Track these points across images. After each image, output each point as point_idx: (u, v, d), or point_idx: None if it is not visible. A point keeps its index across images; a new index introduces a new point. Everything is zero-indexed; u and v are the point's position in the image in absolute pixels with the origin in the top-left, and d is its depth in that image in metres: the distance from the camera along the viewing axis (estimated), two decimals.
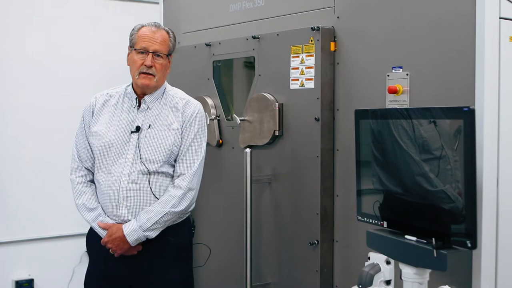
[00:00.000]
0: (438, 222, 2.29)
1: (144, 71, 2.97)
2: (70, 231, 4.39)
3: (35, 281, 4.46)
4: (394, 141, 2.45)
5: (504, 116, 2.59)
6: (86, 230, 3.13)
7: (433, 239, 2.25)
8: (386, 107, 2.88)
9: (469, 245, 2.18)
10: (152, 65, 2.97)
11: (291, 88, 3.31)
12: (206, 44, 3.83)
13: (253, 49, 3.51)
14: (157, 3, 4.41)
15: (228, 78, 3.92)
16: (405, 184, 2.40)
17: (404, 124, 2.39)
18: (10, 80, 4.34)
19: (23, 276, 4.42)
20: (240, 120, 3.53)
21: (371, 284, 2.47)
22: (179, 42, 4.09)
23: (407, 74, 2.82)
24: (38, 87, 4.42)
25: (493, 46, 2.56)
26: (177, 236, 3.05)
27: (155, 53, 2.98)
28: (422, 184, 2.30)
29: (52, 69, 4.46)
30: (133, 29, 3.06)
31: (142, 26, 3.05)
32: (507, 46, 2.60)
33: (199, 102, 3.12)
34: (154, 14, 4.33)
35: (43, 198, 4.40)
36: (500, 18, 2.58)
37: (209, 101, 3.81)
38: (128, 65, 3.05)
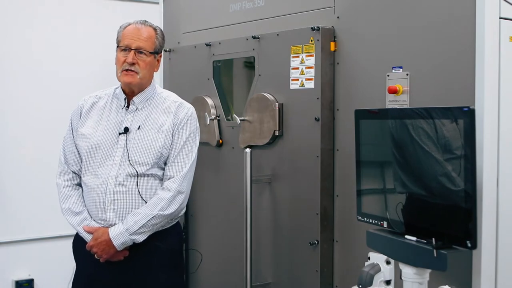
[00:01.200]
0: (439, 222, 2.29)
1: (126, 68, 2.90)
2: (70, 231, 4.35)
3: (35, 281, 4.46)
4: (395, 140, 2.45)
5: (504, 116, 2.59)
6: (75, 234, 3.08)
7: (433, 239, 2.25)
8: (386, 107, 2.88)
9: (469, 245, 2.18)
10: (135, 62, 2.90)
11: (291, 88, 3.31)
12: (206, 44, 3.83)
13: (253, 49, 3.51)
14: (157, 3, 4.40)
15: (228, 78, 3.92)
16: (413, 183, 2.39)
17: (405, 123, 2.39)
18: (10, 80, 4.34)
19: (23, 276, 4.42)
20: (240, 120, 3.53)
21: (371, 284, 2.47)
22: (179, 42, 4.10)
23: (407, 74, 2.82)
24: (38, 87, 4.42)
25: (493, 46, 2.56)
26: (166, 242, 2.98)
27: (138, 50, 2.91)
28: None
29: (52, 69, 4.46)
30: (120, 27, 3.00)
31: (129, 24, 2.98)
32: (507, 46, 2.60)
33: (192, 105, 3.10)
34: (154, 14, 4.33)
35: (43, 198, 4.40)
36: (500, 18, 2.58)
37: (209, 101, 3.81)
38: (115, 64, 2.99)
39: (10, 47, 4.34)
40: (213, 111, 3.79)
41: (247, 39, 3.53)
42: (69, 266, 4.44)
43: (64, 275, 4.49)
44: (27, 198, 4.38)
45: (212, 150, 3.77)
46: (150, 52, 2.95)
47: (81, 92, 4.21)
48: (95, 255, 2.91)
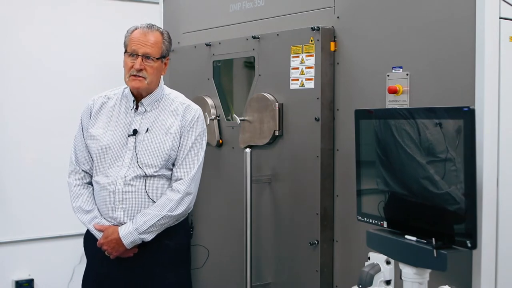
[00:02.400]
0: (439, 222, 2.29)
1: (134, 73, 2.92)
2: (70, 231, 4.39)
3: (35, 281, 4.45)
4: (395, 141, 2.45)
5: (504, 116, 2.59)
6: (85, 231, 3.12)
7: (433, 239, 2.25)
8: (386, 107, 2.88)
9: (469, 245, 2.18)
10: (142, 68, 2.92)
11: (291, 88, 3.31)
12: (206, 44, 3.83)
13: (253, 49, 3.51)
14: (157, 3, 4.40)
15: (228, 78, 3.92)
16: (408, 185, 2.39)
17: (405, 124, 2.39)
18: (10, 80, 4.34)
19: (23, 276, 4.42)
20: (240, 120, 3.53)
21: (371, 284, 2.47)
22: (179, 42, 4.10)
23: (407, 74, 2.82)
24: (38, 87, 4.42)
25: (493, 46, 2.56)
26: (174, 239, 3.03)
27: (145, 56, 2.93)
28: (427, 187, 2.30)
29: (52, 69, 4.46)
30: (127, 31, 3.02)
31: (136, 29, 2.99)
32: (507, 46, 2.60)
33: (199, 107, 3.11)
34: (154, 14, 4.33)
35: (43, 198, 4.40)
36: (500, 18, 2.58)
37: (209, 101, 3.81)
38: (123, 67, 3.01)
39: (10, 47, 4.33)
40: (213, 111, 3.79)
41: (247, 39, 3.53)
42: (69, 266, 4.47)
43: (64, 275, 4.50)
44: (27, 198, 4.38)
45: (212, 150, 3.77)
46: (157, 58, 2.96)
47: (81, 92, 4.23)
48: (106, 252, 2.96)
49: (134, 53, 2.93)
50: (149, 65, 2.94)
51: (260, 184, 3.45)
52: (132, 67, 2.93)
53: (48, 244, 4.50)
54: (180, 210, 2.94)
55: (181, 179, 2.97)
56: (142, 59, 2.93)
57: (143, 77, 2.94)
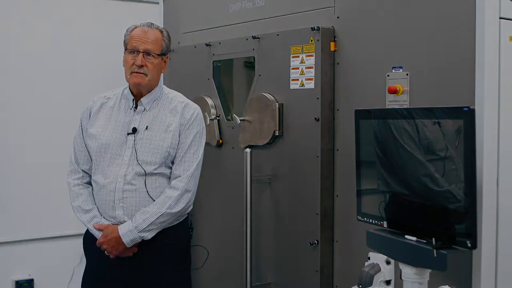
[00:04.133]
0: (439, 222, 2.29)
1: (135, 70, 2.95)
2: (70, 231, 4.39)
3: (35, 281, 4.45)
4: (395, 140, 2.45)
5: (504, 116, 2.59)
6: (85, 231, 3.12)
7: (433, 239, 2.25)
8: (386, 107, 2.88)
9: (469, 245, 2.18)
10: (143, 65, 2.95)
11: (291, 88, 3.31)
12: (206, 44, 3.83)
13: (253, 49, 3.51)
14: (157, 3, 4.40)
15: (228, 78, 3.92)
16: (409, 184, 2.39)
17: (405, 124, 2.39)
18: (10, 80, 4.33)
19: (23, 276, 4.42)
20: (240, 120, 3.53)
21: (371, 284, 2.47)
22: (179, 42, 4.10)
23: (407, 74, 2.82)
24: (38, 87, 4.42)
25: (493, 46, 2.56)
26: (174, 238, 3.03)
27: (146, 53, 2.96)
28: (428, 184, 2.30)
29: (52, 69, 4.46)
30: (126, 30, 3.05)
31: (135, 27, 3.03)
32: (507, 46, 2.60)
33: (198, 106, 3.12)
34: (154, 14, 4.32)
35: (43, 198, 4.40)
36: (500, 18, 2.58)
37: (209, 101, 3.81)
38: (123, 66, 3.04)
39: (10, 47, 4.33)
40: (213, 111, 3.79)
41: (247, 39, 3.53)
42: (69, 266, 4.47)
43: (64, 275, 4.49)
44: (27, 198, 4.38)
45: (212, 150, 3.77)
46: (157, 54, 3.00)
47: (81, 93, 4.22)
48: (105, 252, 2.96)
49: (135, 50, 2.96)
50: (150, 61, 2.98)
51: (260, 184, 3.45)
52: (133, 64, 2.96)
53: (48, 244, 4.50)
54: (179, 207, 2.95)
55: (180, 176, 2.98)
56: (143, 56, 2.96)
57: (144, 74, 2.96)
